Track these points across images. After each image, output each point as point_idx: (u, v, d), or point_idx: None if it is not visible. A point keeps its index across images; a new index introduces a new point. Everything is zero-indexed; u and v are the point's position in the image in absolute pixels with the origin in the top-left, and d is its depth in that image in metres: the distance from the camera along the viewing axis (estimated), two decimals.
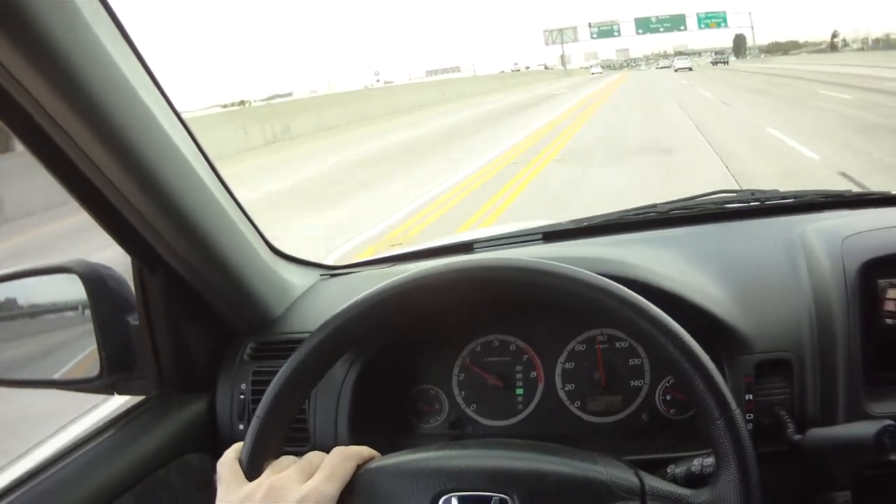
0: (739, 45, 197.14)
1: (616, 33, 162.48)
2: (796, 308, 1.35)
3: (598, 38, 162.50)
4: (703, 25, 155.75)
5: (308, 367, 1.03)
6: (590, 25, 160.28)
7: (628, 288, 1.00)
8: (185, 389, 1.48)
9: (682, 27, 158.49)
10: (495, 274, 1.03)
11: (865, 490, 1.24)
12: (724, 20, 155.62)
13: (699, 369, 0.95)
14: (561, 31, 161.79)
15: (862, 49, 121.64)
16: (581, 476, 0.95)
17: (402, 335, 1.46)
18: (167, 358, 1.43)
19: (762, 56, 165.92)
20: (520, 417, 1.49)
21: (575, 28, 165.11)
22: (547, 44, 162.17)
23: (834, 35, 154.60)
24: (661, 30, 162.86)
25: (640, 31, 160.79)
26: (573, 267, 1.01)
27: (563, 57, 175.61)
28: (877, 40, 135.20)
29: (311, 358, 1.03)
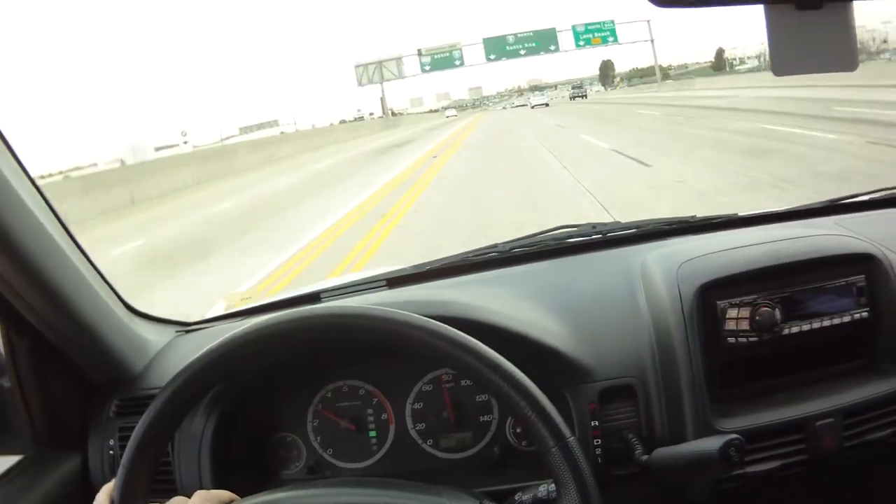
0: (606, 73, 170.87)
1: (458, 62, 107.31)
2: (636, 335, 1.41)
3: (431, 70, 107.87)
4: (582, 42, 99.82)
5: (163, 417, 1.08)
6: (419, 53, 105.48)
7: (463, 328, 1.04)
8: (59, 447, 1.51)
9: (553, 47, 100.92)
10: (332, 321, 1.08)
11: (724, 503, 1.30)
12: (613, 33, 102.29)
13: (529, 401, 0.99)
14: (379, 63, 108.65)
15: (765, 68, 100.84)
16: None
17: (255, 385, 1.51)
18: (39, 417, 1.46)
19: (620, 85, 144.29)
20: (375, 459, 1.54)
21: (399, 58, 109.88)
22: (361, 84, 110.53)
23: (719, 54, 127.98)
24: (524, 52, 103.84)
25: (493, 56, 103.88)
26: (402, 311, 1.06)
27: (382, 100, 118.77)
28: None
29: (164, 410, 1.07)
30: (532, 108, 79.13)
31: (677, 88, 65.78)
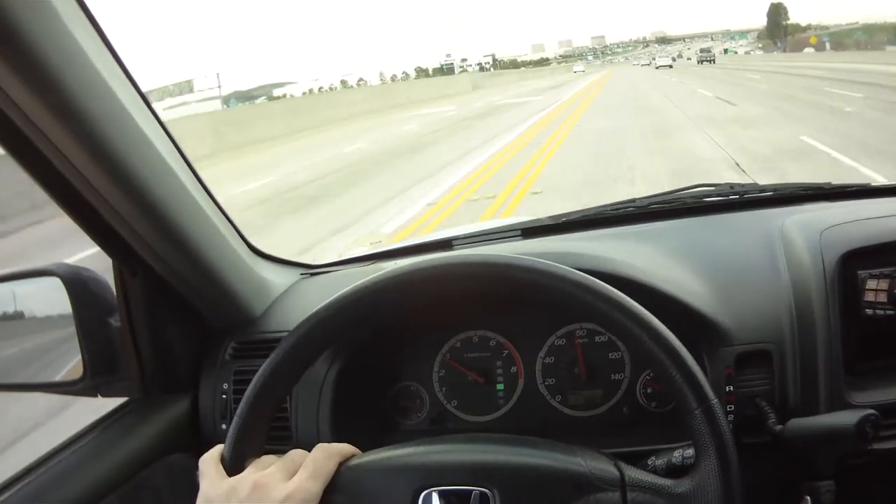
0: (776, 23, 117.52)
1: None
2: (776, 300, 1.36)
3: None
4: None
5: (288, 364, 1.04)
6: None
7: (606, 282, 1.01)
8: (168, 390, 1.49)
9: None
10: (473, 270, 1.04)
11: (849, 479, 1.24)
12: None
13: (676, 361, 0.96)
14: None
15: None
16: (561, 468, 0.97)
17: (381, 332, 1.47)
18: (149, 359, 1.43)
19: (814, 40, 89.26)
20: (501, 412, 1.49)
21: None
22: None
23: None
24: None
25: None
26: (549, 262, 1.02)
27: None
28: None
29: (290, 356, 1.04)
30: (657, 68, 75.05)
31: None
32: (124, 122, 1.13)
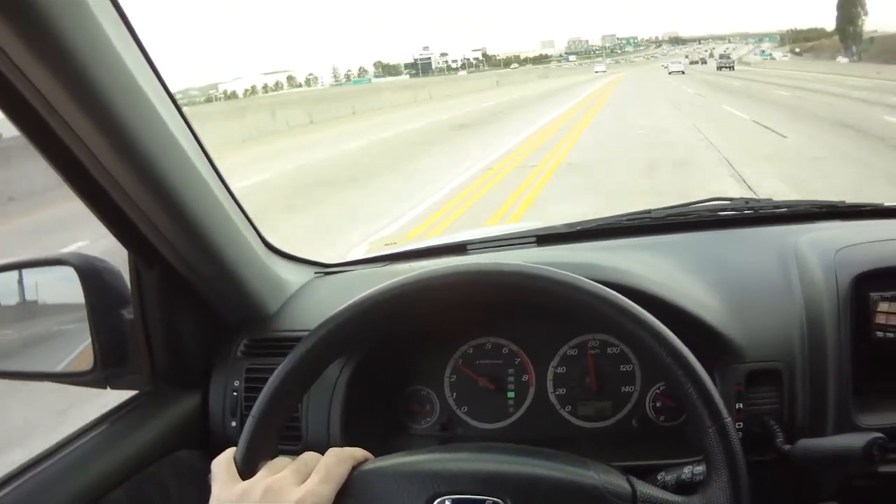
0: (851, 21, 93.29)
1: None
2: (788, 318, 1.36)
3: None
4: None
5: (305, 367, 1.04)
6: None
7: (622, 294, 1.01)
8: (178, 384, 1.48)
9: None
10: (496, 278, 1.05)
11: (852, 500, 1.25)
12: None
13: (692, 377, 0.96)
14: None
15: None
16: (574, 481, 0.97)
17: (395, 336, 1.47)
18: (160, 352, 1.43)
19: None
20: (510, 420, 1.49)
21: None
22: None
23: None
24: None
25: None
26: (568, 273, 1.02)
27: None
28: None
29: (308, 358, 1.04)
30: (669, 74, 73.63)
31: None
32: (147, 114, 1.13)
